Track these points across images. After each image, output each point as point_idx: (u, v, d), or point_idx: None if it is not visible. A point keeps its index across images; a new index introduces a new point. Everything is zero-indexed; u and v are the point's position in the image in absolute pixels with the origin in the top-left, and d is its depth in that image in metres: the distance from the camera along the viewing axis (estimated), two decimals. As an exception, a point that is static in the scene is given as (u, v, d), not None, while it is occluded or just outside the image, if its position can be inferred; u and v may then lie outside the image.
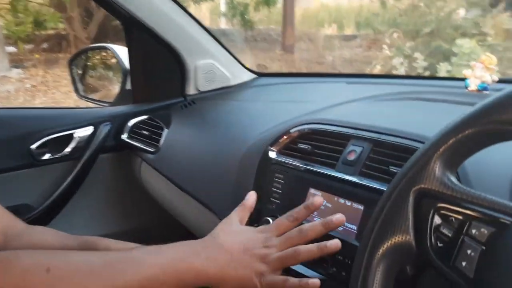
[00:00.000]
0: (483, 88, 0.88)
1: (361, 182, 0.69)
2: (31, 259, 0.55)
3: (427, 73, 4.53)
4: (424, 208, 0.43)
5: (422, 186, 0.42)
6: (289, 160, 0.81)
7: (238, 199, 0.83)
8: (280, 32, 7.08)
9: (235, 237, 0.68)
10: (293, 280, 0.63)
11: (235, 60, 1.40)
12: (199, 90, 1.40)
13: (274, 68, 6.06)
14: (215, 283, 0.63)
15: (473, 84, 0.89)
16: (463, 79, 0.92)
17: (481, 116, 0.40)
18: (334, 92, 1.14)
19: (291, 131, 0.84)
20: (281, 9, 7.11)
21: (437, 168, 0.42)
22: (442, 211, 0.43)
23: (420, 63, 4.64)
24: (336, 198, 0.72)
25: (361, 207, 0.68)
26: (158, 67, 1.33)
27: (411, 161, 0.44)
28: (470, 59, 3.97)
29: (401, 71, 4.72)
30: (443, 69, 4.31)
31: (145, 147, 1.25)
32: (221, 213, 0.93)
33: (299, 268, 0.72)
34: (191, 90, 1.39)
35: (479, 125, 0.40)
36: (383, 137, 0.70)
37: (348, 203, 0.70)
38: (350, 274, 0.66)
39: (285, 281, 0.63)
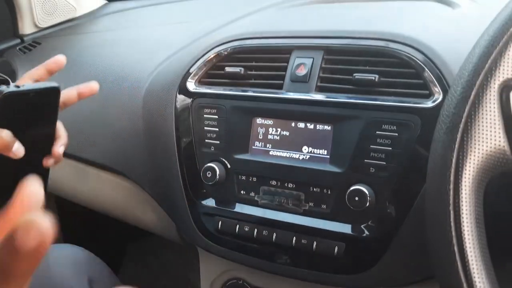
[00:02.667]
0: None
1: (324, 99, 0.58)
2: None
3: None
4: None
5: (509, 77, 0.33)
6: (219, 90, 0.65)
7: (156, 155, 0.67)
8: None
9: None
10: None
11: (77, -17, 1.12)
12: (39, 27, 1.10)
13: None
14: None
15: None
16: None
17: None
18: (220, 8, 0.98)
19: (208, 55, 0.68)
20: None
21: None
22: None
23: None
24: (293, 124, 0.60)
25: (329, 127, 0.58)
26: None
27: (477, 53, 0.35)
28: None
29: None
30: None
31: (-13, 111, 0.94)
32: (140, 179, 0.75)
33: (257, 212, 0.62)
34: (27, 28, 1.09)
35: None
36: (337, 41, 0.60)
37: (311, 125, 0.59)
38: (332, 206, 0.57)
39: None
